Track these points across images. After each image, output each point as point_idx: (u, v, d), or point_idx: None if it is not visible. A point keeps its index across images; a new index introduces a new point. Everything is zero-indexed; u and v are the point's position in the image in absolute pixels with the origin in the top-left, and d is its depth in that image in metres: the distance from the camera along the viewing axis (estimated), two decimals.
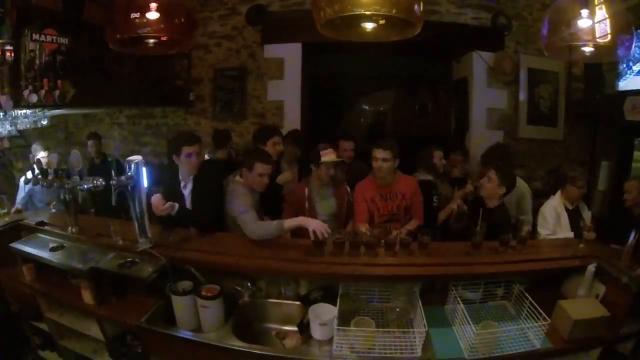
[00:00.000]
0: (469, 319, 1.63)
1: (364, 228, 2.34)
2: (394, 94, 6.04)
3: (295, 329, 1.78)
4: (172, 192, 2.39)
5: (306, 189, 2.63)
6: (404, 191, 2.55)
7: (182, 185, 2.46)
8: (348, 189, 2.73)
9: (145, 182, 1.98)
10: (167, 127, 4.53)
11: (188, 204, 2.44)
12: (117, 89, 3.39)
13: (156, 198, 2.15)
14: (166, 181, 2.47)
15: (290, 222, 2.11)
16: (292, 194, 2.71)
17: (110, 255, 2.05)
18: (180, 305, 1.80)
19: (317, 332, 1.71)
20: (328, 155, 2.52)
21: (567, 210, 2.74)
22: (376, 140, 2.53)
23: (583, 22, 1.95)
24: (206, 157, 4.11)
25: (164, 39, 2.09)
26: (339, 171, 2.90)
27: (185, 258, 2.01)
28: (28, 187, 3.20)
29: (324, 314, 1.75)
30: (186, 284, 1.84)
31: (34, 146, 3.52)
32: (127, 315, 1.89)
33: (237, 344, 1.70)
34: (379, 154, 2.45)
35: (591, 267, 1.87)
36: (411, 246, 2.04)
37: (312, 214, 2.60)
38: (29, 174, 2.94)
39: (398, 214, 2.54)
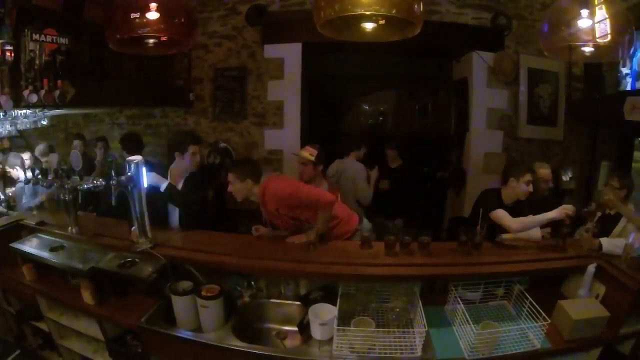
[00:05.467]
0: (469, 319, 1.63)
1: None
2: (394, 94, 6.04)
3: (295, 329, 1.78)
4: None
5: None
6: (271, 206, 2.28)
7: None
8: (338, 194, 2.66)
9: (145, 182, 1.99)
10: (167, 127, 4.52)
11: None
12: (117, 89, 3.39)
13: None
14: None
15: None
16: None
17: (110, 255, 2.05)
18: (180, 305, 1.80)
19: (317, 332, 1.71)
20: (302, 151, 2.60)
21: (604, 214, 2.44)
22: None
23: (583, 22, 1.95)
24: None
25: (164, 39, 2.09)
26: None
27: (185, 258, 2.01)
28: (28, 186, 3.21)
29: (324, 314, 1.75)
30: (186, 284, 1.84)
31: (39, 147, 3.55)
32: (127, 315, 1.89)
33: (237, 344, 1.70)
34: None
35: (591, 267, 1.87)
36: (411, 246, 2.04)
37: None
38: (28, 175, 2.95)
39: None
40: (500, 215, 2.22)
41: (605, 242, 2.01)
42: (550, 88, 4.11)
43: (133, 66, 3.56)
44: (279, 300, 2.02)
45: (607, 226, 2.36)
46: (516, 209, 2.32)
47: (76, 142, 3.77)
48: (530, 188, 2.31)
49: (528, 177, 2.32)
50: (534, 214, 2.30)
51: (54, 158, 3.57)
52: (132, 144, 3.29)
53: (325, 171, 3.13)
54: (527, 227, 2.19)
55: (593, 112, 3.92)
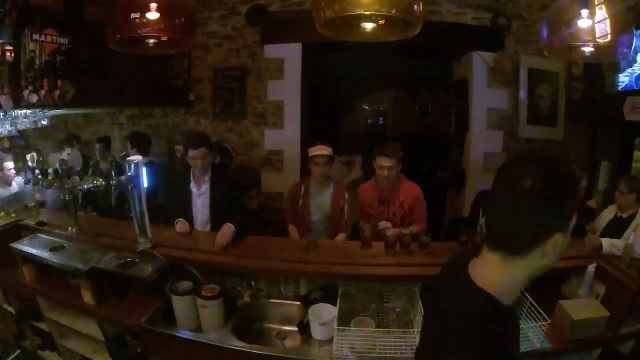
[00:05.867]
0: None
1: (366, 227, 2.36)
2: (394, 94, 6.04)
3: (295, 329, 1.78)
4: (180, 191, 2.51)
5: (302, 187, 2.63)
6: (404, 199, 2.50)
7: (191, 184, 2.51)
8: (346, 192, 2.64)
9: (145, 182, 1.99)
10: (167, 127, 4.52)
11: (200, 204, 2.51)
12: (117, 89, 3.39)
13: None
14: (176, 181, 2.57)
15: None
16: (290, 192, 2.72)
17: (110, 255, 2.05)
18: (180, 305, 1.80)
19: (317, 332, 1.71)
20: (318, 149, 2.51)
21: (617, 217, 2.49)
22: (381, 147, 2.46)
23: (583, 22, 1.95)
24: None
25: (164, 39, 2.09)
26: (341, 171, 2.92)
27: (185, 258, 2.01)
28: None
29: (324, 314, 1.75)
30: (186, 284, 1.84)
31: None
32: (127, 315, 1.89)
33: (237, 344, 1.70)
34: (385, 162, 2.40)
35: (591, 267, 1.87)
36: (411, 246, 2.04)
37: (306, 213, 2.61)
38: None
39: (395, 221, 2.49)
40: None
41: (605, 242, 2.01)
42: (550, 88, 4.11)
43: (133, 66, 3.55)
44: (279, 300, 2.02)
45: (618, 229, 2.36)
46: None
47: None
48: None
49: None
50: None
51: (54, 158, 3.57)
52: (141, 143, 3.27)
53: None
54: None
55: (593, 112, 3.91)
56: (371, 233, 2.13)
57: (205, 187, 2.50)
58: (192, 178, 2.51)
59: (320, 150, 2.50)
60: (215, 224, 2.46)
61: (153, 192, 2.32)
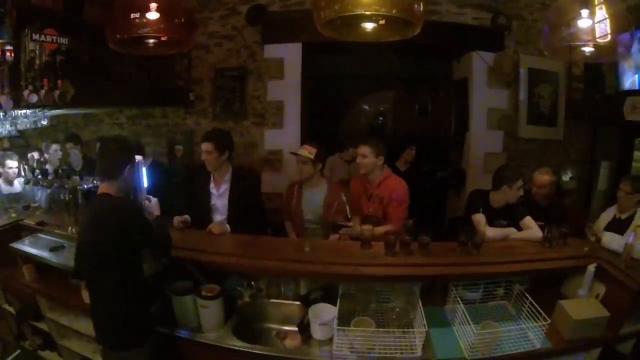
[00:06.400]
0: (469, 319, 1.63)
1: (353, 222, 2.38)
2: (394, 94, 6.03)
3: (295, 329, 1.78)
4: (199, 191, 2.52)
5: (296, 186, 2.64)
6: (383, 195, 2.48)
7: (211, 185, 2.51)
8: (342, 193, 2.56)
9: (145, 182, 1.98)
10: (167, 127, 4.52)
11: (220, 205, 2.51)
12: (117, 89, 3.38)
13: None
14: (197, 181, 2.56)
15: None
16: (286, 191, 2.74)
17: None
18: (180, 305, 1.80)
19: (317, 332, 1.71)
20: (301, 150, 2.55)
21: (615, 219, 2.46)
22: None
23: (583, 22, 1.95)
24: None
25: (164, 39, 2.09)
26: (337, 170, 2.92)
27: (185, 258, 2.01)
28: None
29: (324, 314, 1.76)
30: (186, 284, 1.84)
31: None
32: None
33: (237, 344, 1.70)
34: (360, 149, 2.48)
35: (591, 267, 1.87)
36: (411, 246, 2.04)
37: (299, 212, 2.62)
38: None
39: (377, 217, 2.43)
40: (478, 219, 2.27)
41: (608, 235, 2.06)
42: (550, 88, 4.11)
43: (133, 66, 3.55)
44: (279, 300, 2.02)
45: (617, 230, 2.34)
46: (505, 212, 2.34)
47: (69, 145, 3.74)
48: (521, 192, 2.35)
49: (520, 183, 2.34)
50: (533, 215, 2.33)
51: (54, 158, 3.56)
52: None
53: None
54: (500, 237, 2.25)
55: (593, 112, 3.92)
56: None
57: (225, 187, 2.49)
58: (212, 179, 2.51)
59: (301, 151, 2.52)
60: (233, 225, 2.43)
61: (162, 193, 2.26)
